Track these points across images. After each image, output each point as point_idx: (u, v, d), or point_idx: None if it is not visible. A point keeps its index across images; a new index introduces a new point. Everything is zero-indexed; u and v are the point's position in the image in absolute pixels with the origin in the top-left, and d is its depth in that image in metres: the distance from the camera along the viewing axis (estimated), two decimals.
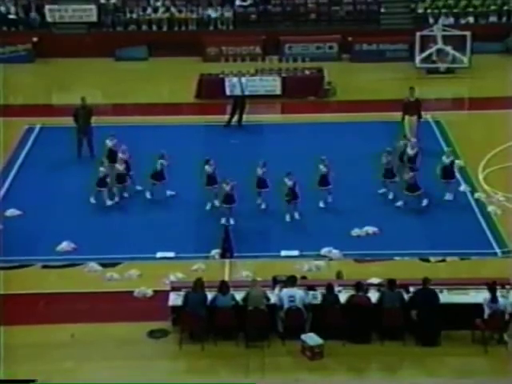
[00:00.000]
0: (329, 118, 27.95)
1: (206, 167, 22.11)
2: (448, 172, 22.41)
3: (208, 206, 22.04)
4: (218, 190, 21.82)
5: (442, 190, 22.44)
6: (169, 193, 22.71)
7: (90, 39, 33.77)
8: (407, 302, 16.84)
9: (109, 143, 23.55)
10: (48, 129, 27.14)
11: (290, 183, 21.35)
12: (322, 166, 22.09)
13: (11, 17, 34.26)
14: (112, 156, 23.28)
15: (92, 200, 22.38)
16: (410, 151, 23.06)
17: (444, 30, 32.13)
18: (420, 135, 25.05)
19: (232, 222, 21.11)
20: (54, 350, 16.60)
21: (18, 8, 34.40)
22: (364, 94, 29.64)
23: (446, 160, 22.41)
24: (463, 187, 23.04)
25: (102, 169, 22.33)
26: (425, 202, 21.93)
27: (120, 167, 22.53)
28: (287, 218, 21.47)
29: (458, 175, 22.83)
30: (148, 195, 22.64)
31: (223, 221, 21.18)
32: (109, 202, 22.34)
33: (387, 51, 33.68)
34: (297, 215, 21.52)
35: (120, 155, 22.83)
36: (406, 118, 25.25)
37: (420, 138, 24.92)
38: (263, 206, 22.15)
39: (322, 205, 22.13)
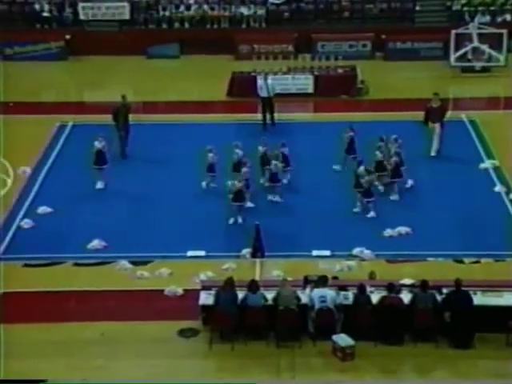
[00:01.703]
0: (361, 116, 27.68)
1: (259, 147, 22.45)
2: (395, 171, 22.01)
3: (248, 204, 21.67)
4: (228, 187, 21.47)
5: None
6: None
7: (122, 37, 33.84)
8: (440, 304, 16.65)
9: (97, 145, 22.97)
10: (80, 126, 27.16)
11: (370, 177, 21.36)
12: (378, 152, 22.20)
13: (45, 14, 34.43)
14: (100, 158, 22.89)
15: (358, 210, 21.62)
16: (378, 154, 22.40)
17: (480, 28, 31.76)
18: (444, 142, 24.51)
19: (240, 220, 20.94)
20: (84, 348, 16.60)
21: (52, 6, 34.59)
22: (397, 92, 29.42)
23: (393, 160, 22.00)
24: (498, 188, 22.76)
25: (236, 183, 21.08)
26: (372, 214, 21.36)
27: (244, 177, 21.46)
28: (356, 208, 21.49)
29: (404, 174, 22.37)
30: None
31: (231, 220, 21.02)
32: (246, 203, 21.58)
33: (421, 49, 33.38)
34: (373, 214, 21.27)
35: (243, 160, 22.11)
36: (430, 124, 24.76)
37: (443, 145, 24.45)
38: (285, 181, 22.51)
39: (380, 187, 22.28)
